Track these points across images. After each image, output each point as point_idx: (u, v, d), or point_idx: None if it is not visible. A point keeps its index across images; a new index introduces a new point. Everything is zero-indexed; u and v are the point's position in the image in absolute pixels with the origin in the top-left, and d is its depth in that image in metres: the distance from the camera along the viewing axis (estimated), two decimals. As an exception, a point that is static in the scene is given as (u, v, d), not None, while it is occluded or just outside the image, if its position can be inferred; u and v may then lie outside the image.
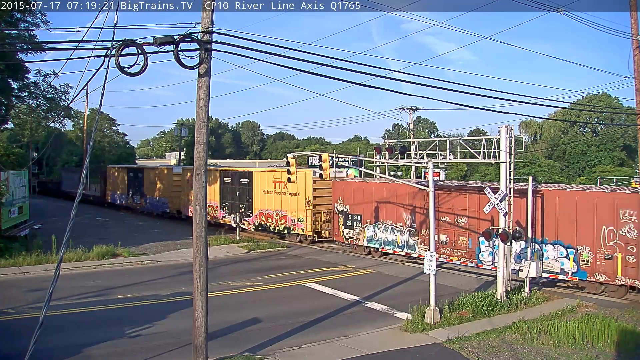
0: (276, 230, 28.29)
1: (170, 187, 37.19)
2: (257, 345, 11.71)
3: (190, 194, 32.16)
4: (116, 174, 46.33)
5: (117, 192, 45.53)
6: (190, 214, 31.48)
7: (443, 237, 20.10)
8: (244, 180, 30.49)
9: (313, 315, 14.21)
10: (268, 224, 28.73)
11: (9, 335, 12.06)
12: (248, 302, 15.78)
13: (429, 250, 14.07)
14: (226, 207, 31.82)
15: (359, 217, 23.65)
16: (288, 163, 16.32)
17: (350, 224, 24.04)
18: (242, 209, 30.22)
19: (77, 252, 21.33)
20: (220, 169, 34.06)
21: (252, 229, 30.06)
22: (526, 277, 15.80)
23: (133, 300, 15.56)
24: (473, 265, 19.51)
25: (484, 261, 18.94)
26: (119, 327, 12.81)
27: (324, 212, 26.24)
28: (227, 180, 31.60)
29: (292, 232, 27.23)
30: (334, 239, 25.31)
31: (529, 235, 16.51)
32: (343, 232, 24.10)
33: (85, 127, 57.70)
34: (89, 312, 14.34)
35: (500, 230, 15.11)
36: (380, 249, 22.78)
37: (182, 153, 59.54)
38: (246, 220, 29.62)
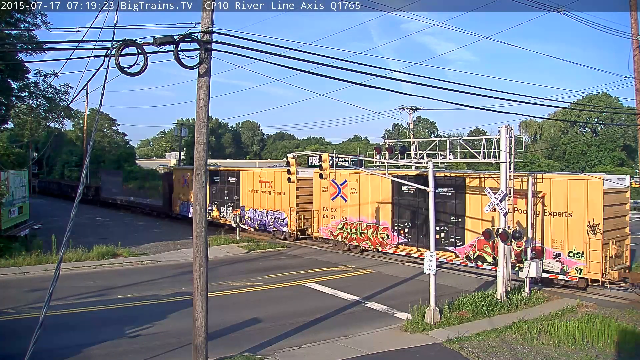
0: (516, 268, 17.29)
1: (292, 195, 26.90)
2: (257, 345, 11.71)
3: (329, 206, 25.08)
4: (190, 178, 33.60)
5: (191, 202, 34.26)
6: (329, 236, 25.29)
7: None
8: (445, 192, 20.30)
9: (313, 315, 14.21)
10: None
11: (9, 335, 12.06)
12: (248, 302, 15.78)
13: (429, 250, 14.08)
14: (405, 230, 21.80)
15: None
16: (288, 163, 16.31)
17: None
18: (443, 233, 20.29)
19: (77, 252, 21.34)
20: (395, 172, 22.57)
21: (464, 261, 19.88)
22: (526, 277, 15.80)
23: (133, 300, 15.56)
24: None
25: None
26: (119, 327, 12.81)
27: (615, 242, 16.76)
28: (408, 190, 21.41)
29: None
30: None
31: (529, 235, 16.51)
32: None
33: (85, 127, 57.69)
34: (88, 312, 14.33)
35: (500, 230, 15.11)
36: None
37: (182, 153, 59.56)
38: (451, 251, 20.08)
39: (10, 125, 40.28)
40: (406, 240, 21.78)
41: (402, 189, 21.66)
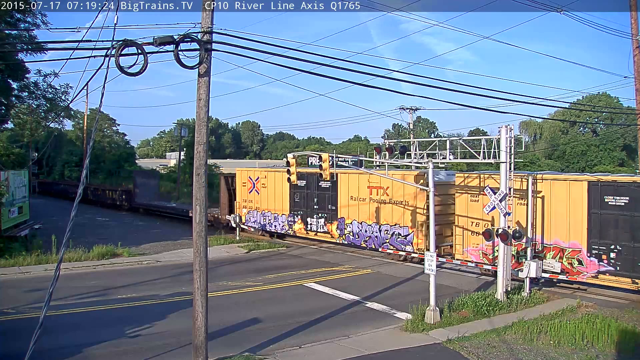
0: None
1: (421, 206, 20.49)
2: (257, 345, 11.71)
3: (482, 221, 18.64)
4: (261, 181, 28.18)
5: (263, 211, 28.10)
6: (480, 259, 18.95)
7: None
8: None
9: (313, 315, 14.21)
10: None
11: (9, 335, 12.06)
12: (248, 302, 15.78)
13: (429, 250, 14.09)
14: (610, 255, 16.09)
15: None
16: (288, 163, 16.29)
17: None
18: None
19: (77, 252, 21.34)
20: (594, 177, 17.33)
21: None
22: (526, 277, 15.81)
23: (133, 300, 15.56)
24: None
25: None
26: (119, 327, 12.81)
27: None
28: (616, 201, 16.11)
29: None
30: None
31: (529, 235, 16.52)
32: None
33: (85, 127, 57.71)
34: (89, 312, 14.34)
35: (500, 230, 15.11)
36: None
37: (182, 153, 59.55)
38: None
39: (10, 125, 40.32)
40: (612, 268, 16.04)
41: (606, 200, 16.25)
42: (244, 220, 29.23)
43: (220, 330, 12.43)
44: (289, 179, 16.33)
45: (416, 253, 20.85)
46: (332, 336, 12.44)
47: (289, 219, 26.51)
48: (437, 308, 13.57)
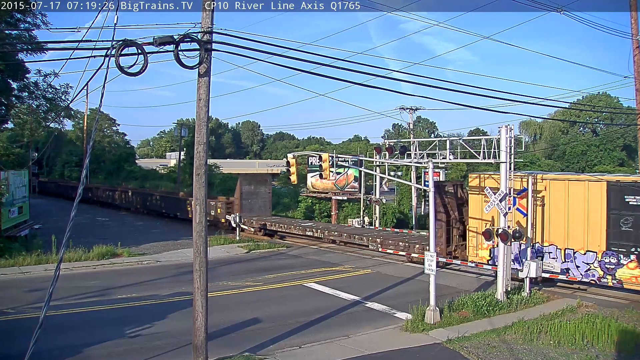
0: None
1: None
2: (257, 345, 11.71)
3: None
4: (535, 195, 17.23)
5: (537, 244, 17.21)
6: None
7: None
8: None
9: (313, 315, 14.20)
10: None
11: (9, 335, 12.06)
12: (248, 302, 15.78)
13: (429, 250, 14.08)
14: None
15: None
16: (288, 163, 16.31)
17: None
18: None
19: (77, 252, 21.34)
20: None
21: None
22: (526, 277, 15.81)
23: (133, 300, 15.56)
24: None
25: None
26: (119, 327, 12.81)
27: None
28: None
29: None
30: None
31: (529, 235, 16.51)
32: None
33: (85, 127, 57.68)
34: (88, 312, 14.33)
35: (500, 230, 15.11)
36: None
37: (182, 153, 59.52)
38: None
39: (10, 125, 40.23)
40: None
41: None
42: (486, 258, 18.64)
43: (220, 330, 12.43)
44: (289, 179, 16.27)
45: None
46: (332, 336, 12.44)
47: (606, 260, 16.12)
48: (437, 308, 13.57)
